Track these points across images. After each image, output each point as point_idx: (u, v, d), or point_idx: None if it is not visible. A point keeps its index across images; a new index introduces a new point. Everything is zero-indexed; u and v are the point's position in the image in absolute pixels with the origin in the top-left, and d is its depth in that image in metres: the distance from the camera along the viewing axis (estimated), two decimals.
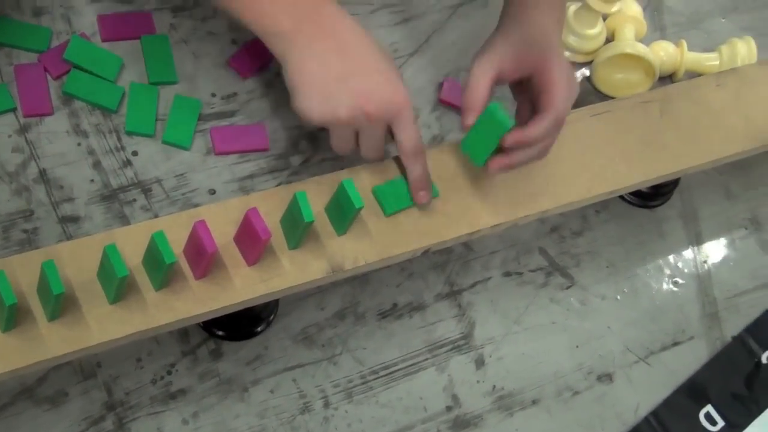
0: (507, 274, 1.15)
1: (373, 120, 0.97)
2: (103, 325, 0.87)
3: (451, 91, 1.21)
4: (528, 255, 1.17)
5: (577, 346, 1.14)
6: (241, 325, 1.03)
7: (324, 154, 1.12)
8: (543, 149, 1.03)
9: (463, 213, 1.02)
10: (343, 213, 0.94)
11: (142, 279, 0.89)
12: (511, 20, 1.06)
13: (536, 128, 1.00)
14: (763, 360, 1.19)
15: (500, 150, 0.99)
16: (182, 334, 1.01)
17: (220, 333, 1.02)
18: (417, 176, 1.00)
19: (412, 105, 0.99)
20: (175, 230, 0.91)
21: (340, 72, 0.96)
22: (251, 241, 0.90)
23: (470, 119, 0.99)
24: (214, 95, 1.12)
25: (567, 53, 1.30)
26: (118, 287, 0.85)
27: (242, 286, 0.92)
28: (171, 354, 1.01)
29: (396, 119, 0.98)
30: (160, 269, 0.87)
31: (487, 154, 0.99)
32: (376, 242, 0.97)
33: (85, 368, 0.98)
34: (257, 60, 1.14)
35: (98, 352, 0.88)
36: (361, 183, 0.99)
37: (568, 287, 1.17)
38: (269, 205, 0.96)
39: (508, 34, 1.04)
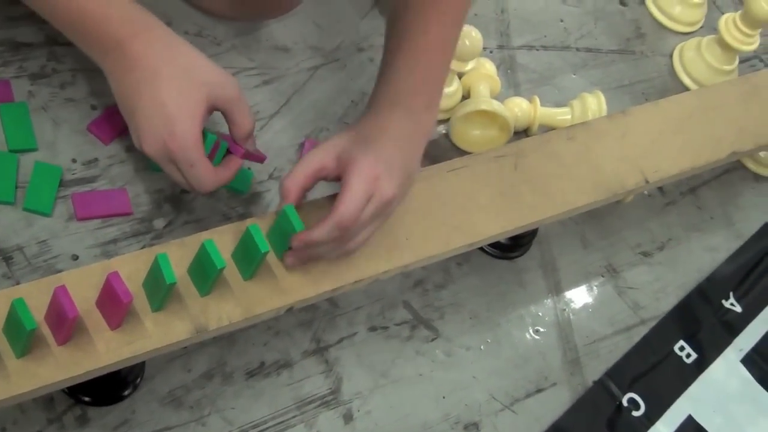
0: (373, 329, 1.17)
1: (156, 159, 1.00)
2: None
3: None
4: (393, 309, 1.19)
5: (443, 397, 1.16)
6: (107, 389, 1.02)
7: (187, 216, 1.13)
8: (340, 247, 1.02)
9: (324, 270, 1.03)
10: (205, 274, 0.95)
11: (4, 347, 0.89)
12: (362, 115, 1.08)
13: (317, 231, 0.99)
14: (624, 402, 1.23)
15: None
16: (47, 401, 1.00)
17: (86, 398, 1.01)
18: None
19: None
20: (37, 297, 0.90)
21: (131, 108, 1.00)
22: (113, 304, 0.90)
23: (280, 205, 1.00)
24: (74, 161, 1.12)
25: None
26: None
27: (106, 350, 0.92)
28: (36, 422, 0.99)
29: (175, 158, 0.99)
30: (21, 336, 0.86)
31: (282, 249, 1.01)
32: (239, 301, 0.98)
33: None
34: (117, 125, 1.14)
35: None
36: (223, 244, 1.00)
37: (433, 339, 1.19)
38: (131, 269, 0.96)
39: (344, 133, 1.04)
